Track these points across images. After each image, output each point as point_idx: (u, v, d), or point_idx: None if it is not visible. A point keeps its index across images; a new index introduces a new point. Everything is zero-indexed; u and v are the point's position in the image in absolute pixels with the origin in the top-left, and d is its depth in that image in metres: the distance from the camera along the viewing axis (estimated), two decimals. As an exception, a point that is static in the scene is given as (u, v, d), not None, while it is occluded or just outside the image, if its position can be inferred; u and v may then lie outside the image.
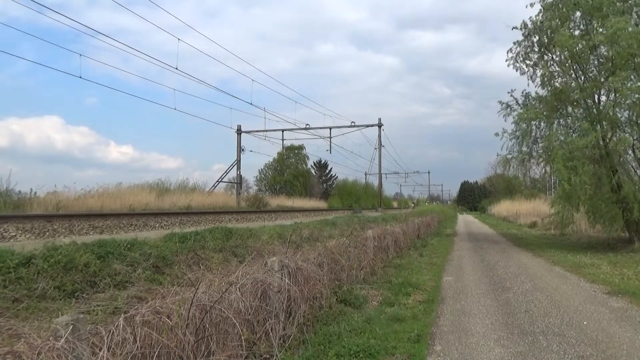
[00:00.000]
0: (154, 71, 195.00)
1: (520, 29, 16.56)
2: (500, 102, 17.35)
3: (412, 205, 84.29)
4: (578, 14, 15.66)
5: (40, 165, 72.68)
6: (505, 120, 17.02)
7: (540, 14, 16.07)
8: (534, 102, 16.66)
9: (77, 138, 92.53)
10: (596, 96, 15.57)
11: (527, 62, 16.81)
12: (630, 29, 13.60)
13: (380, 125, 39.67)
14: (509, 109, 17.05)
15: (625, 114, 15.25)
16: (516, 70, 16.91)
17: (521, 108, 16.79)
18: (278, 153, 54.54)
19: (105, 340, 2.63)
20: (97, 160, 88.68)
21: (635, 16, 15.01)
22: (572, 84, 15.82)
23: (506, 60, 17.05)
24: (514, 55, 16.86)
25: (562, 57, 15.30)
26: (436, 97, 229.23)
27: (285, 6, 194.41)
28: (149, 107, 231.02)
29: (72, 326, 2.46)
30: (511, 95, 17.25)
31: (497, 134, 16.92)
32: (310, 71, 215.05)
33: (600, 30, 14.17)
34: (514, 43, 16.87)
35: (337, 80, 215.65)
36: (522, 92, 17.23)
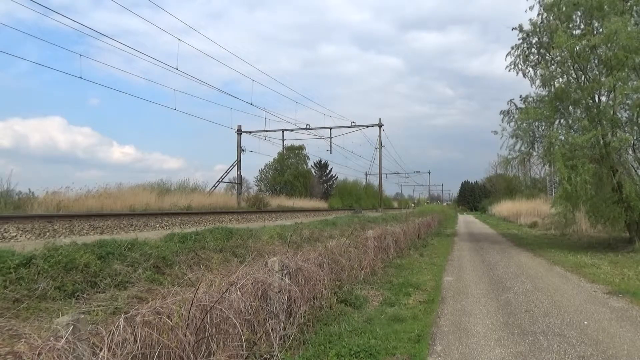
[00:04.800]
0: (157, 72, 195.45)
1: (520, 31, 16.57)
2: (501, 111, 17.57)
3: (413, 205, 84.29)
4: (578, 13, 15.66)
5: (42, 166, 72.76)
6: (509, 125, 17.11)
7: (540, 15, 16.10)
8: (534, 104, 16.67)
9: (79, 138, 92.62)
10: (596, 96, 15.58)
11: (527, 63, 16.85)
12: (629, 29, 13.60)
13: (380, 126, 39.69)
14: (509, 116, 17.20)
15: (626, 113, 15.25)
16: (517, 74, 16.97)
17: (520, 111, 16.82)
18: (278, 153, 54.64)
19: (106, 341, 2.63)
20: (99, 161, 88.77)
21: (636, 16, 15.00)
22: (572, 84, 15.81)
23: (506, 67, 17.13)
24: (513, 59, 16.92)
25: (562, 57, 15.29)
26: (438, 97, 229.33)
27: (289, 8, 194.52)
28: (151, 108, 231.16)
29: (72, 326, 2.47)
30: (511, 103, 17.46)
31: (495, 132, 16.96)
32: (313, 72, 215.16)
33: (600, 30, 14.18)
34: (512, 48, 16.93)
35: (339, 81, 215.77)
36: (521, 97, 17.37)
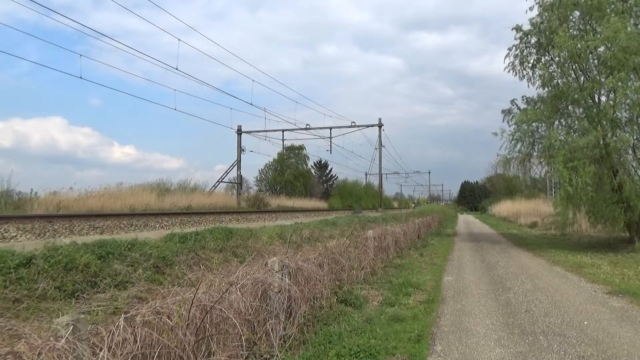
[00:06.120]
0: (157, 72, 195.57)
1: (518, 31, 16.58)
2: (502, 110, 17.66)
3: (413, 205, 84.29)
4: (577, 13, 15.66)
5: (43, 166, 72.71)
6: (509, 125, 17.14)
7: (539, 15, 16.09)
8: (534, 104, 16.68)
9: (80, 138, 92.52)
10: (596, 96, 15.58)
11: (526, 64, 16.87)
12: (628, 29, 13.60)
13: (380, 126, 39.68)
14: (511, 115, 17.23)
15: (625, 113, 15.25)
16: (515, 75, 17.01)
17: (520, 110, 16.85)
18: (278, 153, 54.56)
19: (106, 341, 2.64)
20: (100, 161, 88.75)
21: (635, 16, 14.99)
22: (572, 84, 15.81)
23: (505, 69, 17.17)
24: (512, 60, 16.96)
25: (561, 58, 15.30)
26: (439, 97, 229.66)
27: (290, 8, 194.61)
28: (151, 108, 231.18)
29: (72, 326, 2.47)
30: (513, 102, 17.54)
31: (495, 134, 16.94)
32: (313, 72, 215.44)
33: (599, 30, 14.17)
34: (509, 49, 16.97)
35: (339, 81, 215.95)
36: (523, 97, 17.46)
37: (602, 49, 14.60)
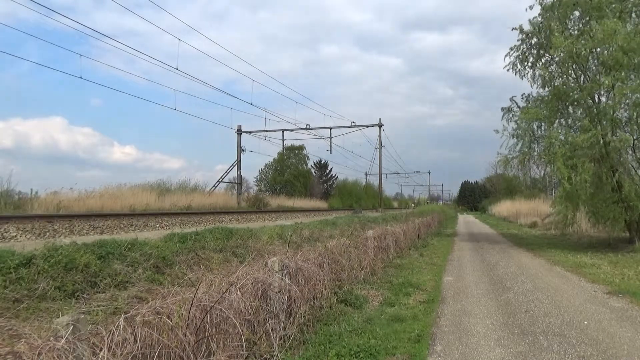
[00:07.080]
0: (157, 72, 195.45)
1: (520, 32, 16.59)
2: (502, 108, 17.65)
3: (413, 205, 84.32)
4: (577, 13, 15.66)
5: (43, 166, 72.62)
6: (508, 124, 17.15)
7: (539, 16, 16.09)
8: (534, 104, 16.70)
9: (80, 138, 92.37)
10: (596, 96, 15.58)
11: (526, 64, 16.87)
12: (628, 29, 13.60)
13: (380, 126, 39.69)
14: (510, 114, 17.24)
15: (625, 113, 15.25)
16: (515, 74, 17.01)
17: (520, 108, 16.88)
18: (278, 153, 54.52)
19: (106, 341, 2.64)
20: (100, 161, 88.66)
21: (634, 16, 14.99)
22: (572, 84, 15.81)
23: (505, 67, 17.18)
24: (512, 60, 16.97)
25: (561, 58, 15.30)
26: (439, 97, 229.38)
27: (291, 8, 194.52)
28: (152, 108, 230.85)
29: (72, 326, 2.47)
30: (513, 100, 17.54)
31: (497, 131, 16.94)
32: (314, 72, 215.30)
33: (599, 29, 14.17)
34: (511, 49, 16.95)
35: (340, 81, 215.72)
36: (522, 96, 17.44)
37: (600, 49, 14.61)
